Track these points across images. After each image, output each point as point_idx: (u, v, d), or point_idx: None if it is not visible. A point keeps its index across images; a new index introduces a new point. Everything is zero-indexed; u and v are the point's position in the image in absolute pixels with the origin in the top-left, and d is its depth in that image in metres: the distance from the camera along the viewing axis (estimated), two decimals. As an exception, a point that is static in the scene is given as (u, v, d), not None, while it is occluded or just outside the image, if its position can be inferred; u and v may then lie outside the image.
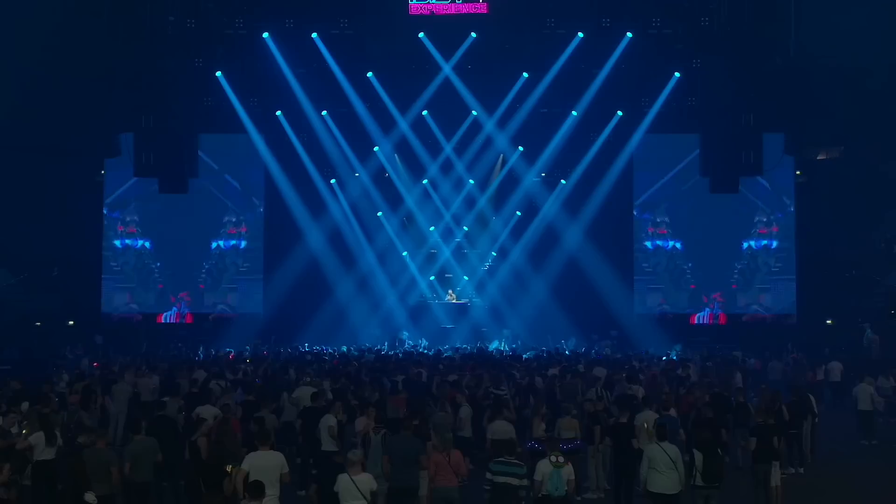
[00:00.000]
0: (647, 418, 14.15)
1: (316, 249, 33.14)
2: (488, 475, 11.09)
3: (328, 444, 13.60)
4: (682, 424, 15.18)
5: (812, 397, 17.93)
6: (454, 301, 34.40)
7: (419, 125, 32.65)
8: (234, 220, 34.20)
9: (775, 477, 13.51)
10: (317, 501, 11.12)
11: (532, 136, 32.66)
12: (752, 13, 27.98)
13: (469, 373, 20.32)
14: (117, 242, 34.07)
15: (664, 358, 26.53)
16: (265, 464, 10.51)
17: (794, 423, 16.43)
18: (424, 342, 31.75)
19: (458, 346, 30.36)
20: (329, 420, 13.92)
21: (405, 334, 32.42)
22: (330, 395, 16.12)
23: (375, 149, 33.21)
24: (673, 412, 15.06)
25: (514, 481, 10.88)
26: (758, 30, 28.23)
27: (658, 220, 33.84)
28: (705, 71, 29.50)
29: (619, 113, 32.02)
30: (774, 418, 14.58)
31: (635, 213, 33.84)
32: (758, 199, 33.01)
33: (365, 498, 10.17)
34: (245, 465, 10.46)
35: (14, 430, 13.29)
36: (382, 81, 31.72)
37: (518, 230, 34.19)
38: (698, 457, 11.75)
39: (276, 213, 33.79)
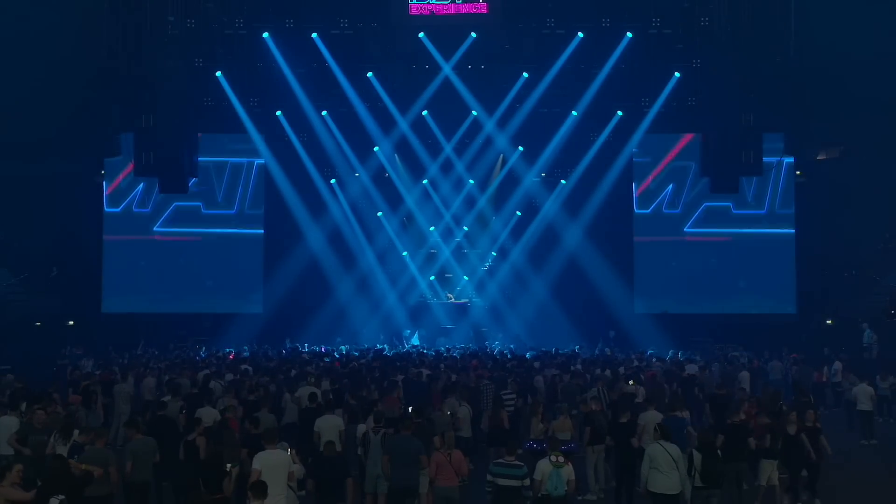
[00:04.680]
0: (650, 419, 14.01)
1: (316, 249, 33.14)
2: (489, 477, 11.09)
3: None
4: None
5: (812, 398, 17.90)
6: (453, 301, 34.40)
7: (419, 125, 32.61)
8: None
9: (773, 477, 13.50)
10: (315, 498, 11.15)
11: (532, 136, 32.62)
12: (752, 13, 27.99)
13: (472, 371, 20.33)
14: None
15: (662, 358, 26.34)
16: (275, 462, 10.58)
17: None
18: (422, 332, 31.94)
19: (458, 345, 30.31)
20: (333, 421, 13.82)
21: (406, 332, 32.48)
22: (330, 396, 16.06)
23: (375, 149, 33.19)
24: (679, 413, 14.95)
25: (516, 483, 10.88)
26: (758, 30, 28.22)
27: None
28: (705, 71, 29.48)
29: (619, 113, 32.01)
30: (776, 417, 14.56)
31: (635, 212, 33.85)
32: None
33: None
34: (256, 465, 10.52)
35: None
36: (382, 81, 31.68)
37: (518, 230, 34.19)
38: (697, 457, 11.73)
39: (276, 213, 33.78)
